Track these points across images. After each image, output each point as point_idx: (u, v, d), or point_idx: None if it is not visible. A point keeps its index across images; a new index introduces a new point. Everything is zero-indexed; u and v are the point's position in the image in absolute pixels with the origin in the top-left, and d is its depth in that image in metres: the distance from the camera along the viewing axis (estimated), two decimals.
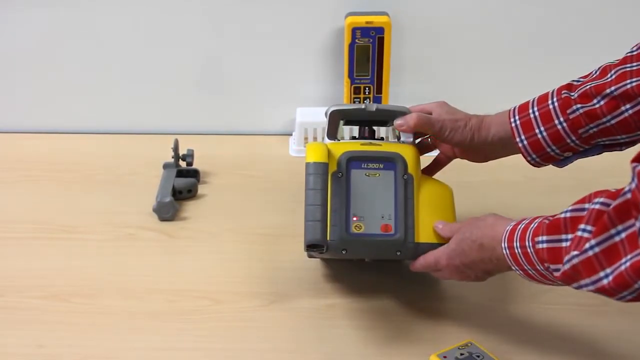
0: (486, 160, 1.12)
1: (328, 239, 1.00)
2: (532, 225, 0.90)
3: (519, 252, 0.90)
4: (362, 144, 1.07)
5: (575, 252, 0.81)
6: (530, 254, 0.88)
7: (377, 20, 1.46)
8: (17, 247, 1.22)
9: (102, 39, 1.55)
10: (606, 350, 1.00)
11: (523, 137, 1.04)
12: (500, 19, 1.51)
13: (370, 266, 1.13)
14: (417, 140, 1.12)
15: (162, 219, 1.28)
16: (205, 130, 1.59)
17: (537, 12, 1.51)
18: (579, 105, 0.99)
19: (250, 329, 1.04)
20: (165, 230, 1.26)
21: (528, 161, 1.06)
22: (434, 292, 1.11)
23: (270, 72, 1.57)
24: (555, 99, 1.02)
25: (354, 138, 1.14)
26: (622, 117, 0.98)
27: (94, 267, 1.17)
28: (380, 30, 1.46)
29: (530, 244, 0.88)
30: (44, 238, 1.24)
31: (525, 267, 0.91)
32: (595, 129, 1.00)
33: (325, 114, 1.10)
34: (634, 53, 0.97)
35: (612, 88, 0.97)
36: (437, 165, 1.16)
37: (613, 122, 0.98)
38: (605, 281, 0.79)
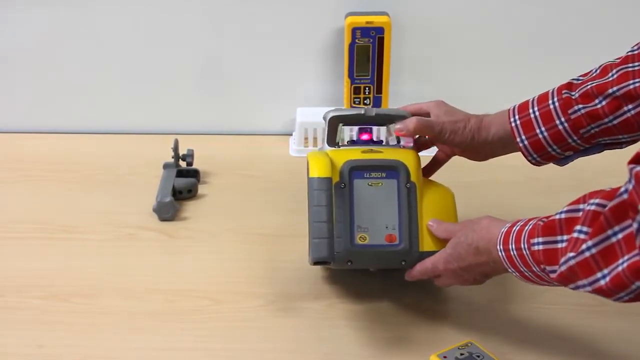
0: (486, 159, 1.12)
1: (333, 251, 1.00)
2: (527, 227, 0.89)
3: (514, 254, 0.90)
4: (363, 152, 1.06)
5: (572, 254, 0.81)
6: (526, 256, 0.88)
7: (377, 20, 1.46)
8: (17, 247, 1.22)
9: (102, 39, 1.55)
10: (606, 350, 1.00)
11: (524, 137, 1.04)
12: (500, 19, 1.51)
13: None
14: (416, 136, 1.12)
15: (162, 219, 1.28)
16: (205, 130, 1.59)
17: (537, 12, 1.51)
18: (580, 106, 0.99)
19: (250, 329, 1.04)
20: (165, 230, 1.26)
21: (529, 161, 1.06)
22: (434, 292, 1.11)
23: (270, 72, 1.57)
24: (555, 99, 1.02)
25: (352, 142, 1.13)
26: (624, 117, 0.97)
27: (94, 267, 1.17)
28: (380, 30, 1.46)
29: (526, 246, 0.88)
30: (44, 238, 1.24)
31: (522, 269, 0.91)
32: (597, 129, 1.00)
33: (324, 119, 1.09)
34: (635, 52, 0.97)
35: (615, 88, 0.97)
36: (435, 163, 1.16)
37: (615, 122, 0.98)
38: (602, 282, 0.79)
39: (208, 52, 1.56)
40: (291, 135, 1.54)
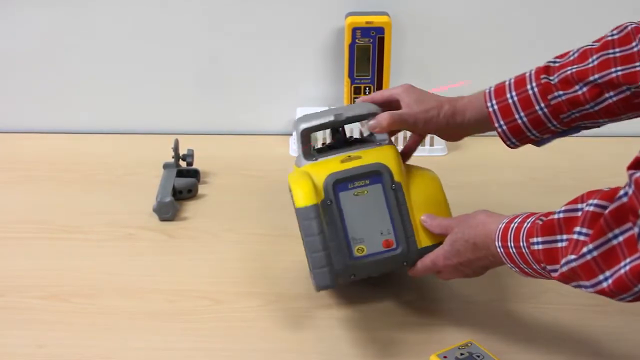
0: (460, 139, 1.11)
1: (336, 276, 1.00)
2: (525, 225, 0.89)
3: (513, 252, 0.90)
4: (342, 161, 1.03)
5: (573, 256, 0.81)
6: (526, 254, 0.89)
7: (377, 20, 1.46)
8: (17, 247, 1.22)
9: (102, 39, 1.55)
10: (606, 350, 1.00)
11: (502, 122, 1.03)
12: (500, 19, 1.51)
13: None
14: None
15: (162, 219, 1.28)
16: (205, 130, 1.59)
17: (538, 12, 1.51)
18: (560, 92, 0.99)
19: (250, 329, 1.04)
20: (165, 230, 1.26)
21: (507, 145, 1.05)
22: (434, 292, 1.11)
23: (270, 72, 1.57)
24: (534, 84, 1.01)
25: (324, 144, 1.11)
26: (605, 103, 0.97)
27: (94, 267, 1.17)
28: (380, 30, 1.46)
29: (525, 245, 0.88)
30: (44, 238, 1.24)
31: (521, 266, 0.91)
32: (577, 114, 1.00)
33: (295, 130, 1.07)
34: (615, 37, 0.96)
35: (596, 76, 0.96)
36: (412, 145, 1.14)
37: (596, 108, 0.98)
38: (604, 284, 0.80)
39: (208, 52, 1.56)
40: (291, 135, 1.54)
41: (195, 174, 1.39)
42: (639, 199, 0.74)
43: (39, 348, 1.01)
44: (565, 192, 0.97)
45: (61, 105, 1.60)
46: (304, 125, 1.06)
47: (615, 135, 1.50)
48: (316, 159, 1.06)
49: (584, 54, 0.99)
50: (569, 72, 0.98)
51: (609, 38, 0.97)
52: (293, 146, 1.52)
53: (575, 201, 0.84)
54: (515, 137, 1.04)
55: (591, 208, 0.81)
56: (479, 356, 0.96)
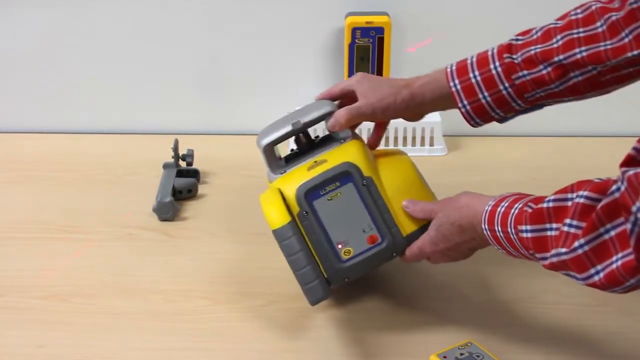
0: (421, 118, 1.09)
1: (325, 276, 1.00)
2: (512, 211, 0.89)
3: (501, 236, 0.90)
4: (308, 169, 1.02)
5: (564, 250, 0.81)
6: (514, 240, 0.88)
7: (377, 20, 1.46)
8: (17, 247, 1.22)
9: (102, 40, 1.55)
10: (606, 350, 1.00)
11: (465, 102, 1.02)
12: (500, 19, 1.51)
13: None
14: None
15: (162, 219, 1.28)
16: (205, 130, 1.59)
17: (538, 12, 1.51)
18: (525, 72, 0.99)
19: (250, 329, 1.04)
20: (165, 230, 1.26)
21: (470, 124, 1.05)
22: (434, 292, 1.11)
23: (270, 72, 1.57)
24: (497, 63, 1.00)
25: (292, 151, 1.11)
26: (570, 83, 0.97)
27: (94, 267, 1.17)
28: (380, 30, 1.46)
29: (513, 231, 0.88)
30: (44, 238, 1.24)
31: (508, 249, 0.91)
32: (542, 94, 1.00)
33: (258, 146, 1.06)
34: (579, 16, 0.96)
35: (561, 57, 0.96)
36: (378, 131, 1.13)
37: (562, 87, 0.98)
38: (596, 278, 0.80)
39: (208, 52, 1.56)
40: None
41: (195, 174, 1.39)
42: (631, 196, 0.74)
43: (39, 348, 1.01)
44: None
45: (61, 105, 1.60)
46: (264, 141, 1.05)
47: (616, 135, 1.50)
48: (284, 171, 1.05)
49: (548, 33, 0.98)
50: (532, 51, 0.98)
51: (573, 17, 0.97)
52: (293, 146, 1.52)
53: (564, 190, 0.84)
54: (479, 117, 1.03)
55: (581, 200, 0.81)
56: (479, 356, 0.96)
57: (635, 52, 0.91)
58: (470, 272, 1.14)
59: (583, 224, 0.80)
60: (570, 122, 1.58)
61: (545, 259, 0.85)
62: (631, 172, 0.74)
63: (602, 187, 0.80)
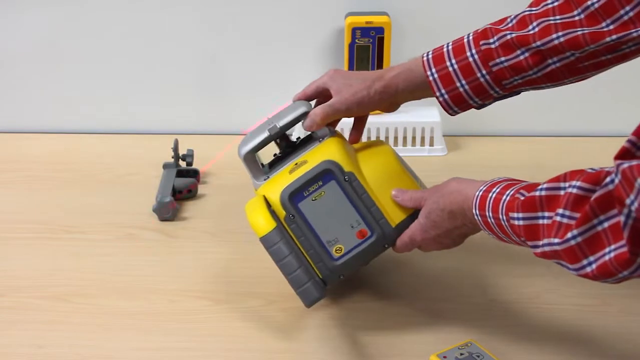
0: (397, 108, 1.09)
1: (320, 277, 1.00)
2: (504, 198, 0.89)
3: (492, 222, 0.90)
4: (290, 172, 1.02)
5: (557, 240, 0.81)
6: (505, 227, 0.88)
7: (377, 20, 1.46)
8: (17, 247, 1.22)
9: (102, 40, 1.55)
10: (606, 350, 1.00)
11: (443, 91, 1.02)
12: None
13: (369, 266, 1.13)
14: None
15: (162, 219, 1.28)
16: (205, 130, 1.59)
17: None
18: (502, 58, 0.99)
19: (250, 329, 1.04)
20: (165, 230, 1.26)
21: (449, 113, 1.05)
22: (434, 292, 1.11)
23: (270, 72, 1.57)
24: (474, 51, 1.00)
25: (275, 155, 1.11)
26: (548, 69, 0.97)
27: (94, 267, 1.17)
28: (380, 30, 1.46)
29: (504, 218, 0.88)
30: (44, 238, 1.24)
31: (499, 235, 0.91)
32: (520, 80, 1.00)
33: (239, 155, 1.06)
34: (555, 5, 0.96)
35: (538, 43, 0.96)
36: (359, 124, 1.12)
37: (540, 74, 0.98)
38: (588, 269, 0.80)
39: (208, 52, 1.56)
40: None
41: (195, 174, 1.39)
42: (625, 189, 0.74)
43: (39, 348, 1.01)
44: None
45: (61, 105, 1.60)
46: (244, 150, 1.06)
47: (616, 135, 1.50)
48: (267, 177, 1.06)
49: (524, 21, 0.98)
50: (508, 37, 0.98)
51: (550, 5, 0.97)
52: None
53: (557, 179, 0.84)
54: (457, 106, 1.03)
55: (574, 190, 0.81)
56: (478, 356, 0.96)
57: (614, 37, 0.91)
58: (470, 272, 1.14)
59: (576, 215, 0.80)
60: (570, 122, 1.58)
61: (537, 247, 0.85)
62: (626, 164, 0.74)
63: (594, 178, 0.80)
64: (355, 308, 1.08)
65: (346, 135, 1.12)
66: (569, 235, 0.80)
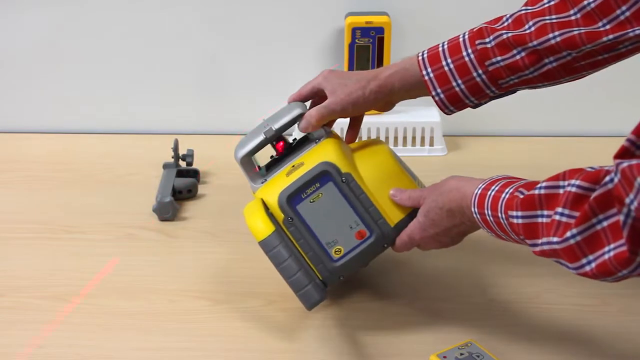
0: (392, 107, 1.10)
1: (320, 278, 1.00)
2: (503, 196, 0.89)
3: (491, 220, 0.90)
4: (287, 174, 1.02)
5: (556, 239, 0.81)
6: (504, 225, 0.88)
7: (377, 20, 1.46)
8: (17, 247, 1.22)
9: (102, 40, 1.55)
10: (606, 350, 1.00)
11: (439, 90, 1.02)
12: None
13: (369, 266, 1.13)
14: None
15: (162, 219, 1.28)
16: (205, 130, 1.59)
17: None
18: (499, 58, 0.99)
19: (250, 329, 1.04)
20: (165, 230, 1.26)
21: (445, 112, 1.05)
22: (434, 292, 1.11)
23: (270, 72, 1.57)
24: (470, 50, 1.00)
25: (272, 158, 1.11)
26: (545, 69, 0.97)
27: (94, 267, 1.17)
28: (380, 30, 1.46)
29: (504, 216, 0.88)
30: (44, 238, 1.24)
31: (498, 233, 0.91)
32: (516, 80, 1.00)
33: (236, 159, 1.06)
34: (552, 4, 0.96)
35: (535, 42, 0.96)
36: (354, 124, 1.12)
37: (536, 73, 0.98)
38: (587, 268, 0.80)
39: (208, 52, 1.56)
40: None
41: (195, 174, 1.39)
42: (625, 188, 0.74)
43: (39, 348, 1.01)
44: None
45: (61, 105, 1.60)
46: (240, 153, 1.06)
47: (616, 135, 1.50)
48: (265, 180, 1.06)
49: (520, 20, 0.98)
50: (504, 36, 0.98)
51: (546, 5, 0.97)
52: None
53: (556, 178, 0.84)
54: (453, 105, 1.03)
55: (573, 189, 0.81)
56: (478, 356, 0.96)
57: (610, 37, 0.91)
58: (469, 272, 1.14)
59: (575, 214, 0.80)
60: (570, 122, 1.58)
61: (535, 245, 0.85)
62: (625, 164, 0.74)
63: (594, 177, 0.80)
64: (355, 308, 1.08)
65: (342, 135, 1.12)
66: (568, 234, 0.80)
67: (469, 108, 1.05)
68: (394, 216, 1.01)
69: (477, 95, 1.02)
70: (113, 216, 1.30)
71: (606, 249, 0.78)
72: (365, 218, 1.00)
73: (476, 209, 0.92)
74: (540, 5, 0.97)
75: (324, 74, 1.07)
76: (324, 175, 1.00)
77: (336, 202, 1.00)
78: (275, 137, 1.07)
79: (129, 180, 1.42)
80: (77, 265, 1.17)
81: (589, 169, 0.81)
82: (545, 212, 0.83)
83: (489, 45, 0.99)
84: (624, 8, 0.90)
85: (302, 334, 1.04)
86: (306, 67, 1.55)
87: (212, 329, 1.04)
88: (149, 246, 1.23)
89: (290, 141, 1.10)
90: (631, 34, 0.91)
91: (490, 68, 0.99)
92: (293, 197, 1.00)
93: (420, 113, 1.51)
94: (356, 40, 1.47)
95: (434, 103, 1.04)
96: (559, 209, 0.81)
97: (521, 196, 0.86)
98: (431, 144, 1.52)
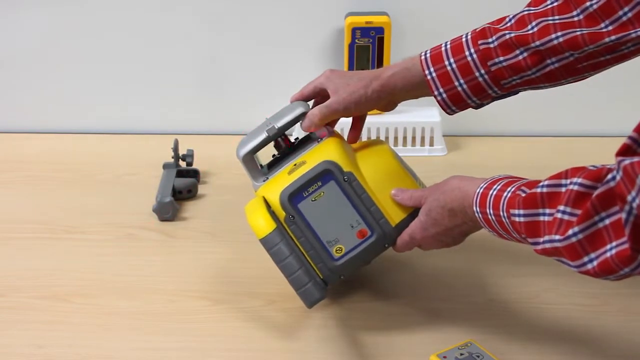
0: (395, 107, 1.09)
1: (321, 277, 1.00)
2: (505, 194, 0.89)
3: (493, 219, 0.90)
4: (289, 173, 1.02)
5: (558, 237, 0.81)
6: (506, 224, 0.88)
7: (377, 20, 1.46)
8: (17, 247, 1.22)
9: (102, 40, 1.55)
10: (606, 350, 1.00)
11: (441, 90, 1.02)
12: None
13: (369, 266, 1.13)
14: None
15: (162, 219, 1.28)
16: (205, 130, 1.59)
17: None
18: (501, 58, 0.98)
19: (250, 329, 1.04)
20: (165, 230, 1.26)
21: (447, 112, 1.05)
22: (434, 291, 1.11)
23: (270, 72, 1.57)
24: (472, 50, 1.00)
25: (274, 156, 1.11)
26: (547, 69, 0.97)
27: (94, 267, 1.17)
28: (380, 30, 1.46)
29: (505, 215, 0.88)
30: (44, 238, 1.24)
31: (500, 232, 0.91)
32: (518, 80, 1.00)
33: (238, 157, 1.06)
34: (555, 5, 0.96)
35: (537, 42, 0.96)
36: (357, 124, 1.12)
37: (538, 74, 0.98)
38: (589, 266, 0.80)
39: (208, 52, 1.56)
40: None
41: (195, 174, 1.39)
42: (627, 185, 0.74)
43: (39, 348, 1.01)
44: None
45: (61, 105, 1.60)
46: (243, 151, 1.06)
47: (616, 135, 1.50)
48: (267, 178, 1.06)
49: (522, 21, 0.98)
50: (507, 36, 0.98)
51: (549, 6, 0.97)
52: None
53: (559, 176, 0.84)
54: (455, 105, 1.03)
55: (575, 187, 0.81)
56: (478, 356, 0.96)
57: (613, 38, 0.91)
58: (469, 272, 1.14)
59: (577, 212, 0.80)
60: (570, 122, 1.58)
61: (537, 244, 0.85)
62: (627, 161, 0.74)
63: (596, 175, 0.80)
64: (355, 308, 1.08)
65: (345, 134, 1.12)
66: (570, 232, 0.80)
67: (470, 108, 1.05)
68: (395, 216, 1.01)
69: (480, 96, 1.02)
70: (113, 216, 1.30)
71: (608, 247, 0.78)
72: (366, 217, 1.00)
73: (478, 208, 0.92)
74: (544, 6, 0.97)
75: (326, 73, 1.07)
76: (326, 174, 1.00)
77: (338, 201, 1.00)
78: (278, 136, 1.07)
79: (128, 180, 1.42)
80: (77, 265, 1.17)
81: (591, 167, 0.81)
82: (547, 211, 0.83)
83: (491, 46, 0.99)
84: (626, 9, 0.90)
85: (302, 334, 1.04)
86: (306, 67, 1.55)
87: (212, 329, 1.04)
88: (149, 246, 1.23)
89: (292, 140, 1.10)
90: (633, 35, 0.91)
91: (493, 68, 0.99)
92: (295, 196, 1.00)
93: (421, 113, 1.51)
94: (356, 40, 1.47)
95: (435, 103, 1.04)
96: (561, 207, 0.81)
97: (523, 195, 0.86)
98: (431, 144, 1.52)
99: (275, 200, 1.00)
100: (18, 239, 1.24)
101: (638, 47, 0.93)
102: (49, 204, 1.34)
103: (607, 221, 0.78)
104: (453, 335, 1.01)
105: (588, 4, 0.93)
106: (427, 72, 1.02)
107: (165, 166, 1.39)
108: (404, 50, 1.53)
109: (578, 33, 0.93)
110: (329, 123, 1.08)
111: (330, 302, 1.08)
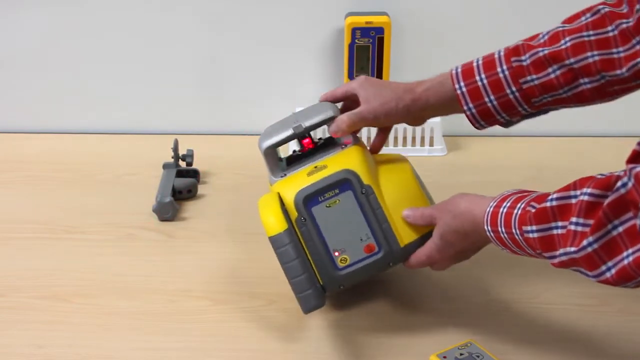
0: (423, 123, 1.09)
1: (321, 283, 0.99)
2: (515, 212, 0.89)
3: (505, 237, 0.90)
4: (308, 174, 1.01)
5: (573, 249, 0.81)
6: (519, 241, 0.88)
7: (377, 20, 1.46)
8: (17, 247, 1.22)
9: (102, 40, 1.55)
10: (606, 350, 1.00)
11: (471, 105, 1.02)
12: (500, 19, 1.51)
13: None
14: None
15: (162, 219, 1.28)
16: (205, 130, 1.59)
17: (538, 12, 1.51)
18: (533, 76, 0.98)
19: (250, 329, 1.04)
20: (165, 230, 1.26)
21: (475, 127, 1.05)
22: (434, 292, 1.11)
23: (270, 72, 1.57)
24: (505, 67, 1.00)
25: (294, 152, 1.11)
26: (579, 89, 0.97)
27: (94, 267, 1.17)
28: (380, 30, 1.46)
29: (518, 232, 0.88)
30: (44, 238, 1.24)
31: (513, 249, 0.91)
32: (549, 99, 0.99)
33: (260, 148, 1.06)
34: (589, 20, 0.96)
35: (572, 60, 0.95)
36: (381, 135, 1.12)
37: (569, 93, 0.98)
38: (608, 274, 0.80)
39: (208, 52, 1.56)
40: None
41: (194, 174, 1.39)
42: (639, 192, 0.74)
43: (39, 348, 1.01)
44: None
45: (61, 105, 1.60)
46: (266, 144, 1.06)
47: (616, 135, 1.50)
48: (285, 174, 1.05)
49: (555, 36, 0.98)
50: (540, 53, 0.97)
51: (583, 21, 0.96)
52: (293, 146, 1.52)
53: (567, 188, 0.84)
54: (484, 120, 1.03)
55: (585, 197, 0.81)
56: (478, 356, 0.96)
57: None
58: (470, 273, 1.14)
59: (590, 222, 0.80)
60: (570, 122, 1.58)
61: (554, 257, 0.85)
62: (639, 168, 0.74)
63: (605, 183, 0.80)
64: (355, 308, 1.08)
65: (369, 140, 1.11)
66: (585, 242, 0.80)
67: (498, 125, 1.05)
68: (405, 237, 1.01)
69: (509, 112, 1.01)
70: (113, 216, 1.29)
71: (624, 254, 0.78)
72: (377, 233, 1.00)
73: (489, 227, 0.92)
74: (578, 22, 0.97)
75: (360, 80, 1.07)
76: (344, 182, 1.00)
77: (352, 211, 1.00)
78: (303, 135, 1.07)
79: (128, 180, 1.42)
80: (77, 265, 1.17)
81: (599, 176, 0.81)
82: (560, 224, 0.83)
83: (524, 63, 0.98)
84: None
85: (302, 334, 1.04)
86: (306, 67, 1.55)
87: (212, 329, 1.04)
88: (149, 246, 1.23)
89: (316, 140, 1.09)
90: None
91: (525, 86, 0.99)
92: (310, 199, 0.99)
93: None
94: (356, 41, 1.47)
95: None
96: (574, 219, 0.81)
97: (533, 210, 0.86)
98: (431, 144, 1.52)
99: (290, 200, 1.00)
100: (18, 239, 1.24)
101: None
102: (49, 204, 1.34)
103: (621, 229, 0.78)
104: (453, 335, 1.01)
105: (622, 22, 0.92)
106: (457, 86, 1.02)
107: (165, 166, 1.39)
108: (404, 50, 1.53)
109: (615, 56, 0.92)
110: (355, 130, 1.08)
111: (329, 302, 1.08)
